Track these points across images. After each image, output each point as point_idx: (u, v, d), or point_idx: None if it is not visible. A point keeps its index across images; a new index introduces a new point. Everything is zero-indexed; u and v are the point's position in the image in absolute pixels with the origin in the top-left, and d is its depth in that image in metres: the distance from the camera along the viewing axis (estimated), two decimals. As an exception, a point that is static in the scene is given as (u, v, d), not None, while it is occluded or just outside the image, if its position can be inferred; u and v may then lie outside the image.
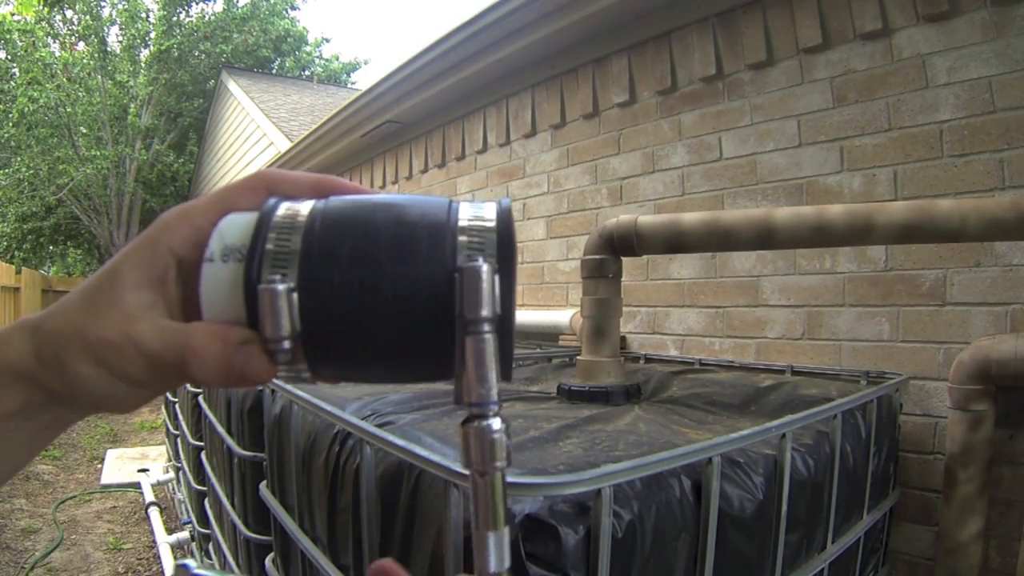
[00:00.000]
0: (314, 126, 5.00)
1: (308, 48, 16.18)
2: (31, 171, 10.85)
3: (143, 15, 11.84)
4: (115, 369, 0.27)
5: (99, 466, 4.99)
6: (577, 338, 2.44)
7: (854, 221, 1.44)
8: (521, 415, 1.29)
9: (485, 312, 0.25)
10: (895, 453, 1.62)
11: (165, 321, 0.28)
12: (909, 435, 1.72)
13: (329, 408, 1.07)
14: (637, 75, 2.55)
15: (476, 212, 0.28)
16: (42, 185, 11.13)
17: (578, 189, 2.83)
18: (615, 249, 1.69)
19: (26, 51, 10.31)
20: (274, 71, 14.18)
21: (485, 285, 0.25)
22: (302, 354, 0.27)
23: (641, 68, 2.53)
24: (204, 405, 2.11)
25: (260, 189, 0.31)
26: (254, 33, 13.15)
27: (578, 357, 1.70)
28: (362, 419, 1.11)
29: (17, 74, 10.52)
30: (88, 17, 11.34)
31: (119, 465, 4.89)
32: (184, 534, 2.98)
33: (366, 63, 26.38)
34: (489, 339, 0.25)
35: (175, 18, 11.80)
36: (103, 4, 11.65)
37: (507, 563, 0.25)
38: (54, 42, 11.81)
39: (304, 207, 0.28)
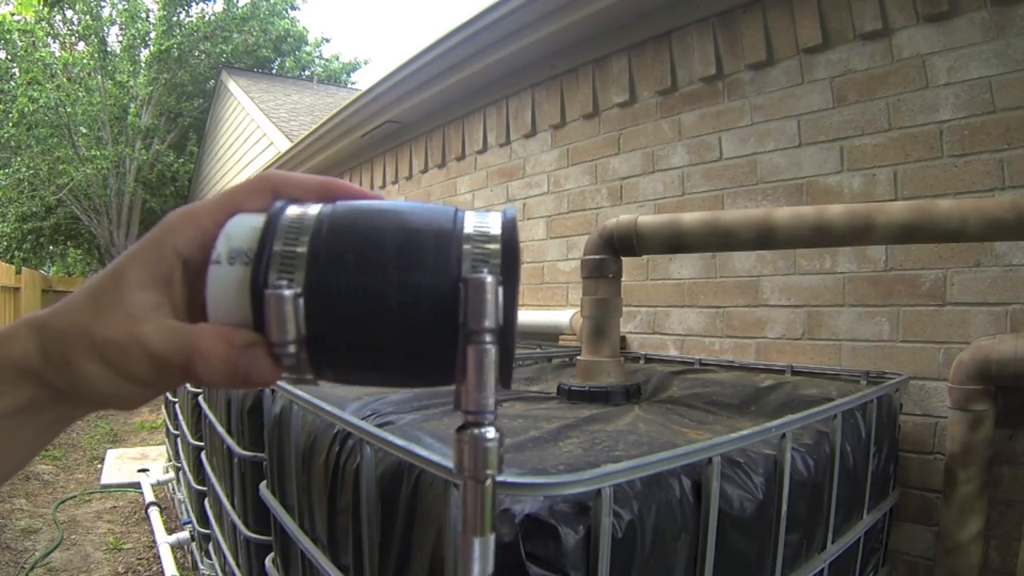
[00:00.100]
0: (314, 126, 4.99)
1: (308, 48, 16.19)
2: (31, 171, 10.85)
3: (143, 15, 11.84)
4: (120, 369, 0.27)
5: (99, 466, 4.99)
6: (577, 338, 2.44)
7: (854, 221, 1.44)
8: (521, 415, 1.29)
9: (488, 323, 0.25)
10: (895, 453, 1.62)
11: (171, 322, 0.28)
12: (909, 435, 1.72)
13: (329, 408, 1.07)
14: (637, 75, 2.55)
15: (481, 222, 0.28)
16: (42, 185, 11.13)
17: (578, 189, 2.83)
18: (615, 249, 1.70)
19: (26, 51, 10.30)
20: (274, 71, 14.18)
21: (489, 296, 0.26)
22: (306, 358, 0.27)
23: (641, 68, 2.53)
24: (204, 405, 2.11)
25: (266, 191, 0.31)
26: (254, 33, 13.16)
27: (578, 357, 1.70)
28: (362, 419, 1.11)
29: (17, 74, 10.52)
30: (88, 17, 11.34)
31: (119, 465, 4.89)
32: (184, 534, 2.98)
33: (366, 63, 26.43)
34: (490, 349, 0.26)
35: (175, 18, 11.80)
36: (103, 4, 11.66)
37: (491, 570, 0.26)
38: (54, 42, 11.81)
39: (311, 211, 0.28)
